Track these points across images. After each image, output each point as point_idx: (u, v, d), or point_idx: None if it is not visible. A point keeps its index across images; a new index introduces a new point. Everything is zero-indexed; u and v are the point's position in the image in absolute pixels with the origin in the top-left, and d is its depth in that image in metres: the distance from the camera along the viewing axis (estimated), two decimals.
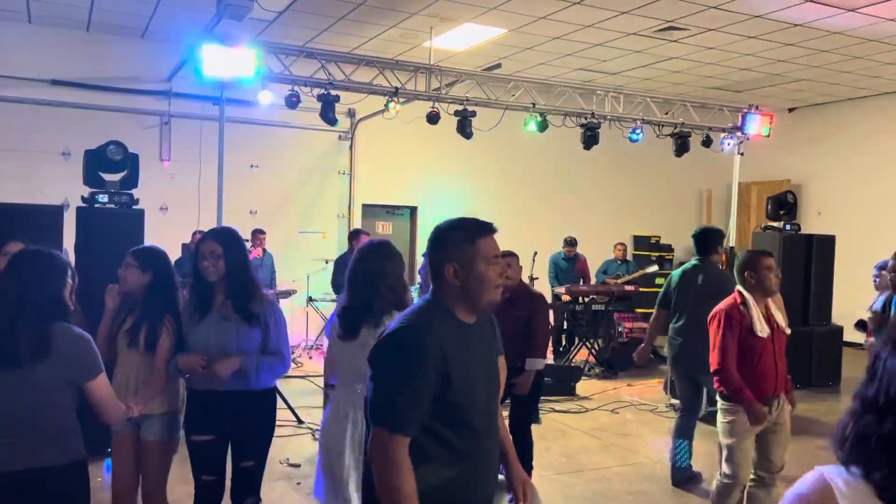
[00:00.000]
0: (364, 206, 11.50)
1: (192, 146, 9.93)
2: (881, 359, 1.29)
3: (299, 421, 6.66)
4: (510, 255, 4.87)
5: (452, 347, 1.98)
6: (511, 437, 2.42)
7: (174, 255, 7.28)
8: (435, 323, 2.01)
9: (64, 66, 9.21)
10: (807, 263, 8.62)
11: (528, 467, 4.93)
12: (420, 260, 11.64)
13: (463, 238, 2.06)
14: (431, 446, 1.99)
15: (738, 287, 4.00)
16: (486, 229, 2.09)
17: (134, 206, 5.79)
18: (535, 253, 9.24)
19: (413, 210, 12.02)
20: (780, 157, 12.29)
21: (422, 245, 11.86)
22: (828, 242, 8.91)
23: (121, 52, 9.48)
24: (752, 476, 4.01)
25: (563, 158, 11.60)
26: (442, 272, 2.05)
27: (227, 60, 6.31)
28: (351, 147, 11.34)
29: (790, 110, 12.61)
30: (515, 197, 11.98)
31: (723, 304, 3.98)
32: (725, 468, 3.92)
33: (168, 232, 8.08)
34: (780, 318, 4.08)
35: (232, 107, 8.50)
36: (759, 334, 3.87)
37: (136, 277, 3.37)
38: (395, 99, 7.52)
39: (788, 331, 4.13)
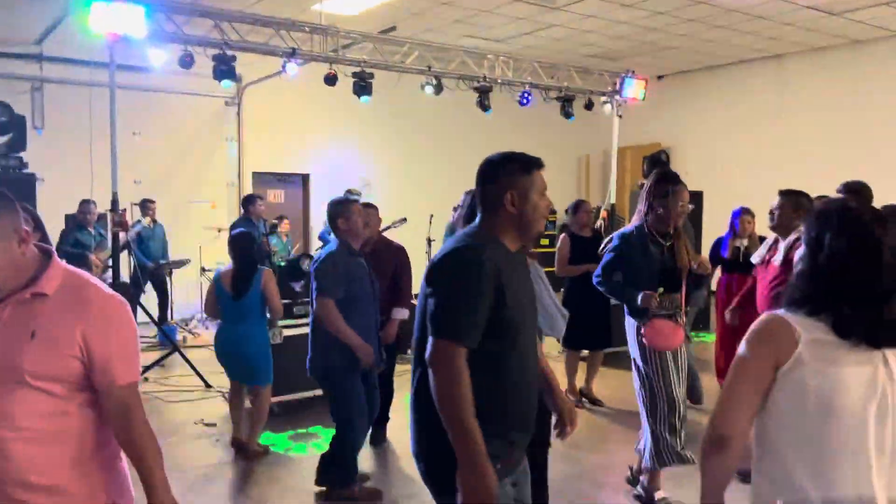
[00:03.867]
0: (254, 174, 11.32)
1: (69, 113, 9.42)
2: (825, 238, 1.74)
3: (207, 385, 6.67)
4: (369, 207, 5.10)
5: (505, 267, 2.10)
6: (548, 366, 2.54)
7: (53, 226, 6.98)
8: (489, 245, 2.13)
9: None
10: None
11: (387, 414, 5.21)
12: (315, 227, 11.63)
13: (519, 168, 2.18)
14: (487, 363, 2.07)
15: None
16: (538, 164, 2.21)
17: (24, 171, 5.53)
18: (432, 216, 9.48)
19: (305, 178, 11.95)
20: (651, 123, 13.11)
21: (315, 213, 11.85)
22: (696, 197, 9.70)
23: None
24: None
25: (457, 123, 11.86)
26: (500, 200, 2.15)
27: (116, 18, 6.06)
28: (238, 113, 11.10)
29: (659, 77, 13.46)
30: (411, 162, 12.15)
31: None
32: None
33: (45, 201, 7.63)
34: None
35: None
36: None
37: None
38: (293, 61, 7.47)
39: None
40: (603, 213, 10.27)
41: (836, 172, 5.28)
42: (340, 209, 4.25)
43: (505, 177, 2.17)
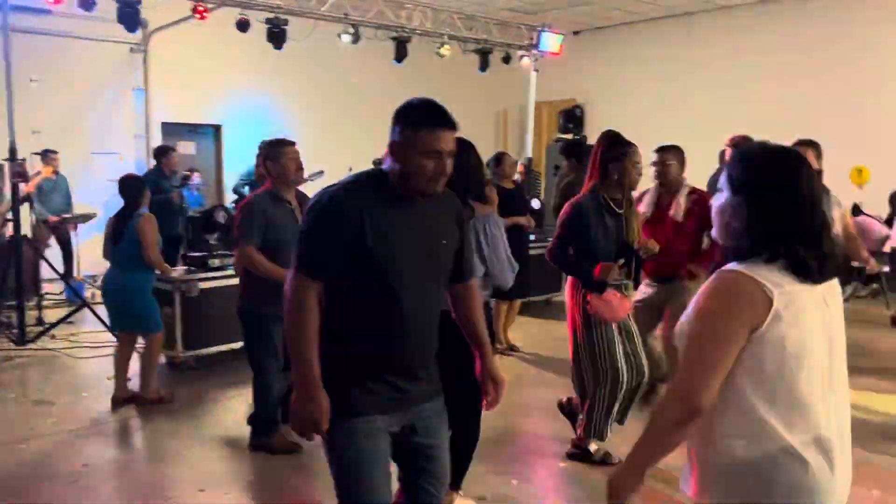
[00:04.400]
0: (164, 124, 10.87)
1: None
2: (766, 181, 1.69)
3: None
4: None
5: (374, 207, 2.10)
6: (486, 332, 2.48)
7: None
8: (363, 188, 2.13)
9: None
10: None
11: None
12: (228, 180, 11.32)
13: (408, 123, 2.11)
14: (350, 299, 2.13)
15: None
16: (429, 123, 2.11)
17: None
18: (350, 169, 9.36)
19: (217, 129, 11.58)
20: (567, 79, 13.28)
21: (228, 164, 11.53)
22: None
23: None
24: None
25: (375, 74, 11.66)
26: (390, 146, 2.15)
27: None
28: (145, 61, 10.59)
29: (575, 33, 13.62)
30: (328, 113, 11.90)
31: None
32: None
33: None
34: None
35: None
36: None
37: None
38: (202, 4, 7.18)
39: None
40: (520, 168, 10.42)
41: (745, 130, 5.48)
42: (270, 150, 4.14)
43: (396, 125, 2.14)
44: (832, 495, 1.67)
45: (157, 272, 5.17)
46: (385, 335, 2.15)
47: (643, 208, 4.51)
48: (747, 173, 1.72)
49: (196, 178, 9.14)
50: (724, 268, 1.69)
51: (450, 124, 2.13)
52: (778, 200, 1.66)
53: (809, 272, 1.65)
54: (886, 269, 7.64)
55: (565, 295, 4.02)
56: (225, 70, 10.89)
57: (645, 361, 3.92)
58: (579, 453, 4.05)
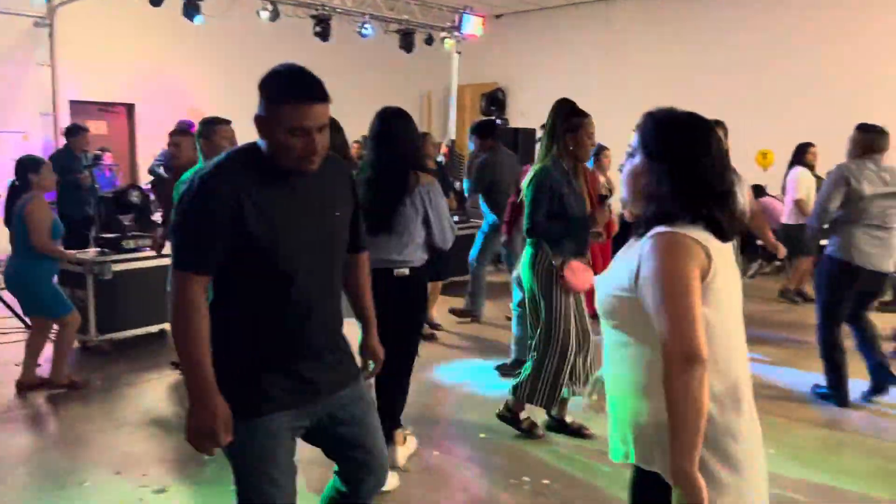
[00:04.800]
0: (72, 102, 10.40)
1: None
2: (678, 146, 1.74)
3: (27, 326, 6.24)
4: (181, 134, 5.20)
5: (256, 192, 1.90)
6: (372, 306, 2.43)
7: None
8: (237, 167, 1.94)
9: None
10: (514, 151, 9.74)
11: None
12: (143, 161, 10.93)
13: (267, 94, 1.91)
14: (239, 290, 1.98)
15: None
16: (293, 95, 1.87)
17: None
18: None
19: (130, 107, 11.17)
20: (489, 62, 13.41)
21: (142, 146, 11.14)
22: (530, 134, 10.17)
23: None
24: None
25: (297, 53, 11.24)
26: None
27: None
28: (50, 35, 10.08)
29: (497, 17, 13.74)
30: (246, 93, 11.50)
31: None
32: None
33: None
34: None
35: None
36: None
37: None
38: None
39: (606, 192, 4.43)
40: (444, 150, 10.50)
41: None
42: (204, 129, 4.08)
43: (260, 96, 1.91)
44: (755, 440, 1.79)
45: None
46: (282, 323, 1.99)
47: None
48: (668, 139, 1.75)
49: (108, 159, 8.82)
50: (658, 231, 1.70)
51: (318, 96, 1.88)
52: (699, 165, 1.72)
53: (724, 232, 1.73)
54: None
55: (522, 269, 3.99)
56: (138, 47, 10.48)
57: (588, 325, 3.94)
58: (508, 417, 4.08)
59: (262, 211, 1.89)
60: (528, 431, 4.07)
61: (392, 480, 3.34)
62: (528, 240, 3.91)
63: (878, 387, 4.70)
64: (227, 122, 4.11)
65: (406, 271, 3.46)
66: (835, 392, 4.69)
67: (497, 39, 12.69)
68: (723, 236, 1.74)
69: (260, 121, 1.92)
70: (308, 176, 1.97)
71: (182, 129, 5.59)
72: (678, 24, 11.82)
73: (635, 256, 1.73)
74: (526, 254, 3.95)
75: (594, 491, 3.54)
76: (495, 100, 11.15)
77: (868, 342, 4.71)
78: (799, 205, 7.31)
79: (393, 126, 3.51)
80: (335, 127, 3.14)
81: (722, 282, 1.71)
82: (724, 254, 1.74)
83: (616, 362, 1.83)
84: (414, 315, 3.60)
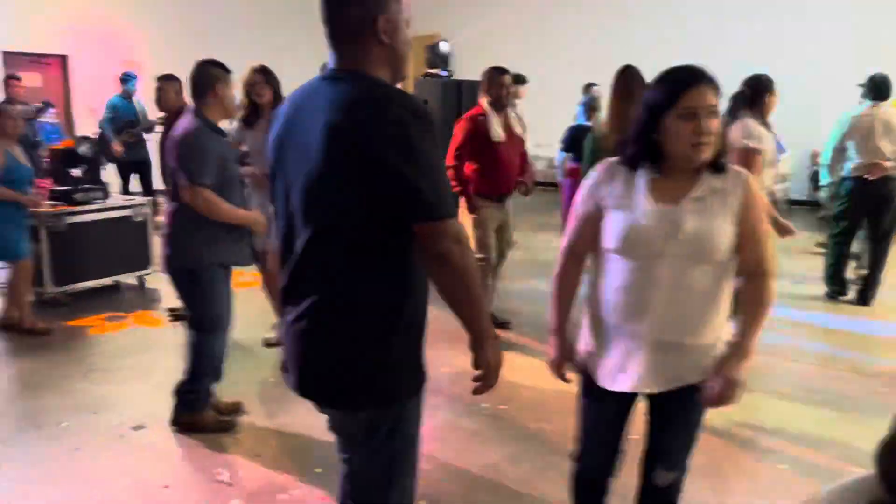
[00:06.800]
0: (5, 53, 10.05)
1: None
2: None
3: None
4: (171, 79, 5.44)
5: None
6: None
7: None
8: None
9: None
10: (458, 104, 9.92)
11: None
12: (79, 113, 10.66)
13: None
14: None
15: (480, 100, 4.81)
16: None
17: None
18: None
19: (63, 59, 10.83)
20: (432, 13, 13.39)
21: (78, 98, 10.83)
22: (473, 86, 10.30)
23: None
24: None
25: (230, 2, 11.23)
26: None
27: None
28: None
29: None
30: (184, 43, 11.32)
31: (467, 113, 4.81)
32: (478, 254, 4.76)
33: None
34: (518, 127, 4.96)
35: None
36: (495, 139, 4.72)
37: None
38: None
39: (526, 137, 5.03)
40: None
41: (607, 69, 5.86)
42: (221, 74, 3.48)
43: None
44: None
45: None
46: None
47: (499, 132, 4.78)
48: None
49: (51, 112, 8.66)
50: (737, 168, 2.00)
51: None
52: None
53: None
54: None
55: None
56: None
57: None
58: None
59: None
60: None
61: None
62: None
63: None
64: (230, 72, 3.57)
65: None
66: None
67: None
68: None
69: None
70: None
71: (166, 75, 5.56)
72: None
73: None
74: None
75: (546, 412, 3.88)
76: (437, 52, 11.14)
77: None
78: None
79: None
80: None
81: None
82: None
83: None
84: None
